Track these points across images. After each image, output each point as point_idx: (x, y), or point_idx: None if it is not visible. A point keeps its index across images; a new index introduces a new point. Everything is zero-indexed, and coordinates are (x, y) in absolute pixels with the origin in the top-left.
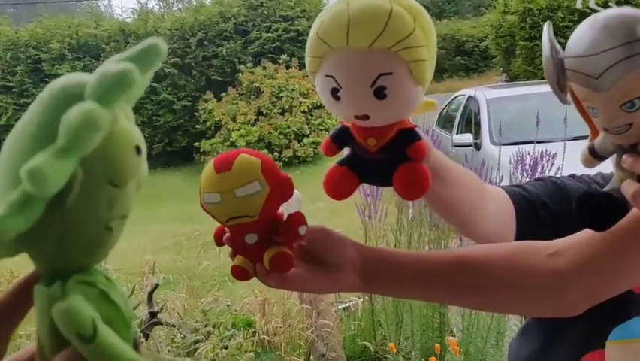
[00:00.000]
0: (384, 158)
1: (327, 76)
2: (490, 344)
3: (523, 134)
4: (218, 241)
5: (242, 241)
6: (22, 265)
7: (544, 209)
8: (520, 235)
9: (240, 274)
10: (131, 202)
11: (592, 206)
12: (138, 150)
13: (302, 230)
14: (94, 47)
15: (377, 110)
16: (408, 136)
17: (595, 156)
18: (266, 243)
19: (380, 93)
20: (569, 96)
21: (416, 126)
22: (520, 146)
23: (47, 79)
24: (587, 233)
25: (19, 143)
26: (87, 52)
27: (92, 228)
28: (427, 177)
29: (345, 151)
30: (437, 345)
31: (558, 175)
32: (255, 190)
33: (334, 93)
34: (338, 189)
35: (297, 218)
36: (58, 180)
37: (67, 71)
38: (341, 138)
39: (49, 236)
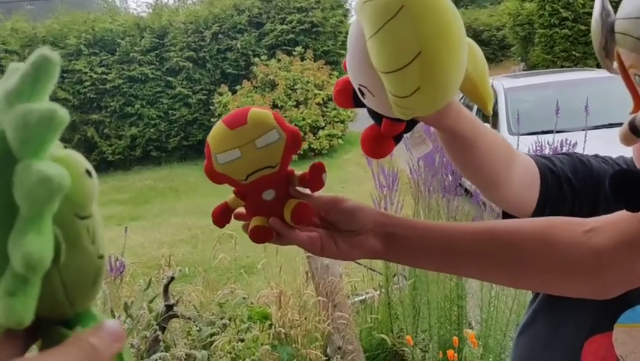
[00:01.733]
0: None
1: None
2: (510, 336)
3: (542, 123)
4: (218, 219)
5: (260, 200)
6: None
7: (567, 183)
8: (540, 206)
9: (260, 233)
10: (100, 221)
11: (626, 185)
12: (88, 172)
13: (324, 177)
14: (109, 41)
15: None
16: None
17: (635, 131)
18: (283, 198)
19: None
20: (614, 66)
21: None
22: (539, 136)
23: (65, 74)
24: (625, 213)
25: None
26: (103, 47)
27: (89, 266)
28: None
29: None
30: (455, 338)
31: None
32: (274, 138)
33: None
34: (375, 148)
35: (320, 166)
36: (50, 253)
37: (84, 66)
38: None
39: (55, 292)
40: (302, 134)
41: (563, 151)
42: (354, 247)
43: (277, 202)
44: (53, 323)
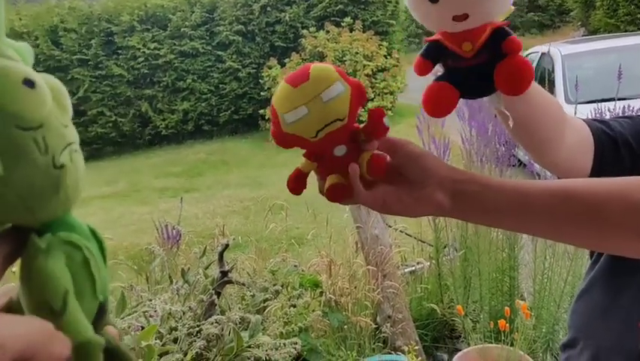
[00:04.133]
0: (481, 62)
1: None
2: (564, 308)
3: (603, 91)
4: (294, 186)
5: (332, 157)
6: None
7: (626, 147)
8: (595, 171)
9: (337, 192)
10: (64, 129)
11: None
12: (28, 82)
13: (386, 121)
14: (161, 17)
15: (477, 6)
16: (501, 33)
17: None
18: (354, 152)
19: None
20: None
21: (508, 23)
22: (599, 104)
23: (120, 50)
24: None
25: None
26: (155, 23)
27: (42, 177)
28: (530, 68)
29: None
30: (507, 308)
31: None
32: (340, 90)
33: None
34: (439, 104)
35: (379, 111)
36: None
37: (137, 42)
38: (432, 53)
39: (10, 202)
40: None
41: (626, 114)
42: (419, 201)
43: (349, 158)
44: (29, 231)
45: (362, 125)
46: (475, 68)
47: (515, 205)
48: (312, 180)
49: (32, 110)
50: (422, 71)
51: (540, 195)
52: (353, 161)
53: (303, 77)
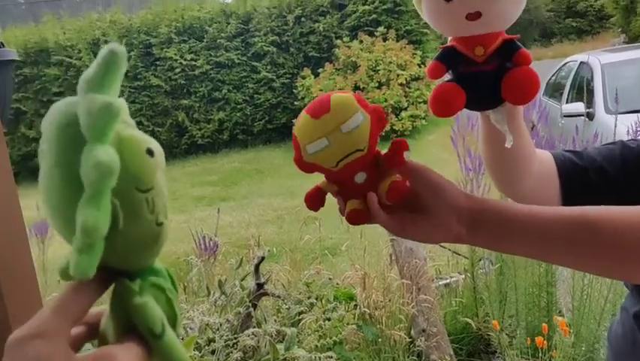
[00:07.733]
0: (490, 69)
1: None
2: (605, 326)
3: None
4: (312, 203)
5: (352, 183)
6: None
7: (598, 173)
8: (566, 201)
9: (357, 217)
10: (164, 191)
11: None
12: (150, 151)
13: (407, 155)
14: (198, 29)
15: (491, 5)
16: (512, 45)
17: None
18: (374, 178)
19: None
20: None
21: (518, 37)
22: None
23: (157, 62)
24: None
25: (55, 195)
26: (192, 34)
27: (148, 232)
28: (537, 80)
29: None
30: (544, 325)
31: None
32: (359, 121)
33: None
34: (445, 104)
35: (403, 143)
36: (105, 223)
37: (175, 54)
38: (446, 58)
39: (118, 252)
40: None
41: (615, 140)
42: (436, 229)
43: (369, 184)
44: (121, 275)
45: (383, 153)
46: (484, 76)
47: (532, 234)
48: None
49: (150, 175)
50: (435, 74)
51: (557, 223)
52: (372, 186)
53: (324, 108)
